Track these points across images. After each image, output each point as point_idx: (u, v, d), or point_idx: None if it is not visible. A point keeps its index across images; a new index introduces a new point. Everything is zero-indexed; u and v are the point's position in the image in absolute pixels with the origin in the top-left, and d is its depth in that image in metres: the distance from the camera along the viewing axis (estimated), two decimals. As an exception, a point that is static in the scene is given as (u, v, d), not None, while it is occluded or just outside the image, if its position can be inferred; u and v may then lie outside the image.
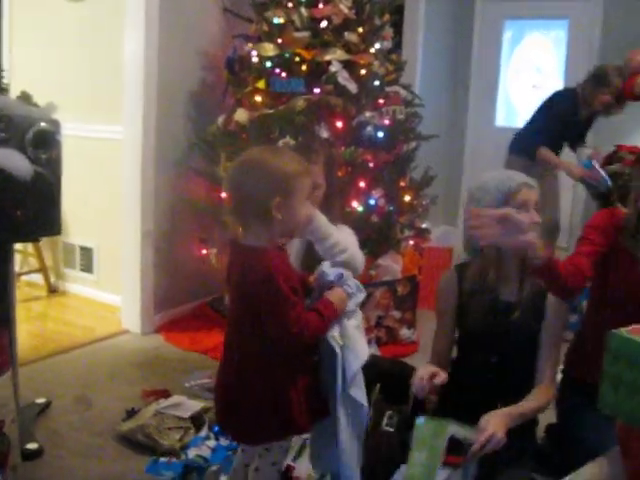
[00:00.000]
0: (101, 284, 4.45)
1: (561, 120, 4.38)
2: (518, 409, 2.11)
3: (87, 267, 4.50)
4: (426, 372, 2.07)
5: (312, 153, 2.64)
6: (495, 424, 1.98)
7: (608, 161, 4.86)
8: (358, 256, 2.49)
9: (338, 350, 1.93)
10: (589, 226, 2.31)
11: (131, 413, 2.79)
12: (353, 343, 1.98)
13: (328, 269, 2.03)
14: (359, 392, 1.99)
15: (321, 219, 2.35)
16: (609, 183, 3.93)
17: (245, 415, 1.88)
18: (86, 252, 4.49)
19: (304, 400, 1.88)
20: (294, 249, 2.62)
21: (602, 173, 3.86)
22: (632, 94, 3.15)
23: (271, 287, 1.77)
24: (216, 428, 2.57)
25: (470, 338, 2.35)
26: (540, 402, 2.18)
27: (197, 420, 2.72)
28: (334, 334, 1.94)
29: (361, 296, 2.04)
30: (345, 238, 2.43)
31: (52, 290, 4.59)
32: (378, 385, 2.28)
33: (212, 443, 2.54)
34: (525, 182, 2.19)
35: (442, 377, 2.07)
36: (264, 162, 1.83)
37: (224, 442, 2.52)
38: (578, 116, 4.37)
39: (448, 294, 2.37)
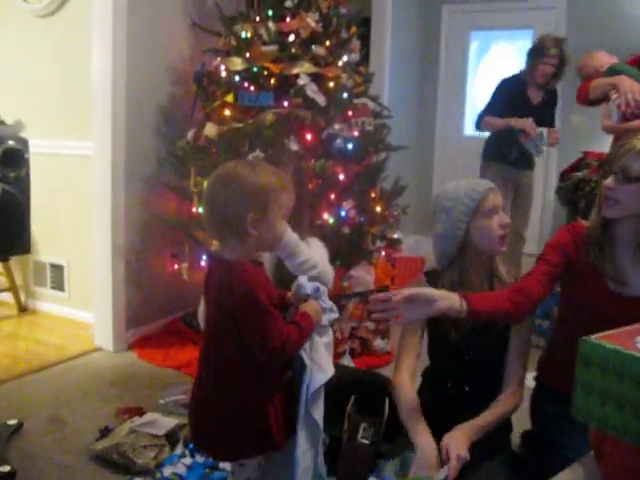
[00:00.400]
0: (72, 302, 4.41)
1: (509, 102, 4.50)
2: (481, 420, 2.12)
3: (58, 285, 4.46)
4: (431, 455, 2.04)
5: (280, 166, 2.65)
6: (457, 445, 1.99)
7: (575, 168, 4.92)
8: (328, 272, 2.50)
9: (308, 363, 1.94)
10: (548, 245, 2.30)
11: (105, 432, 2.77)
12: (320, 359, 1.98)
13: (305, 282, 2.03)
14: (317, 410, 1.99)
15: (291, 235, 2.35)
16: (537, 156, 3.94)
17: (221, 430, 1.87)
18: (57, 270, 4.45)
19: (280, 415, 1.88)
20: (267, 263, 2.61)
21: (539, 146, 3.85)
22: (585, 99, 3.18)
23: (252, 302, 1.77)
24: (192, 445, 2.56)
25: (440, 346, 2.36)
26: (507, 407, 2.20)
27: (172, 437, 2.70)
28: (305, 348, 1.95)
29: (334, 315, 2.04)
30: (315, 254, 2.44)
31: (23, 309, 4.53)
32: (353, 397, 2.29)
33: (188, 460, 2.52)
34: (490, 187, 2.23)
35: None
36: (240, 177, 1.81)
37: (200, 459, 2.51)
38: (527, 98, 4.45)
39: None
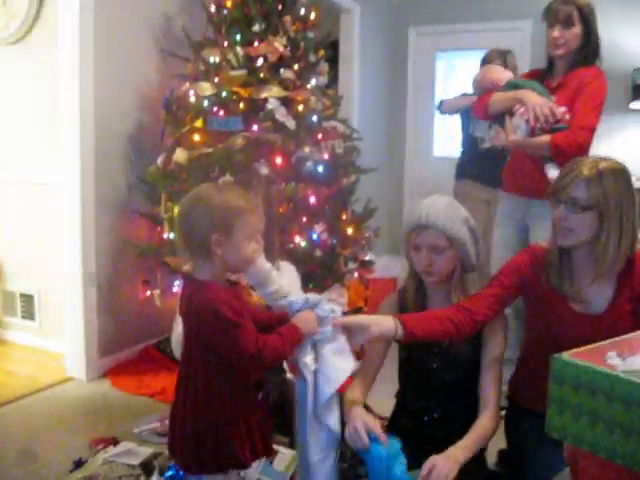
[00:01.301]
0: (43, 331, 4.35)
1: (463, 113, 4.76)
2: (464, 442, 2.09)
3: (28, 314, 4.40)
4: (360, 424, 2.00)
5: (250, 190, 2.66)
6: (445, 465, 1.96)
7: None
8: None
9: (309, 378, 1.94)
10: (505, 266, 2.34)
11: (79, 463, 2.72)
12: (328, 369, 1.98)
13: (294, 298, 2.04)
14: (331, 417, 1.99)
15: (262, 264, 2.37)
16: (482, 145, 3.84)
17: (187, 443, 1.89)
18: (27, 299, 4.39)
19: (246, 435, 1.88)
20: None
21: (487, 132, 3.69)
22: (485, 114, 3.20)
23: (214, 315, 1.78)
24: (167, 474, 2.53)
25: (409, 363, 2.38)
26: (488, 429, 2.17)
27: (147, 467, 2.67)
28: (306, 360, 1.95)
29: (336, 315, 2.03)
30: (285, 282, 2.46)
31: (-8, 340, 4.47)
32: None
33: (164, 486, 2.49)
34: (420, 224, 2.22)
35: (377, 427, 2.02)
36: (207, 198, 1.85)
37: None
38: None
39: (386, 309, 2.40)
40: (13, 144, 4.22)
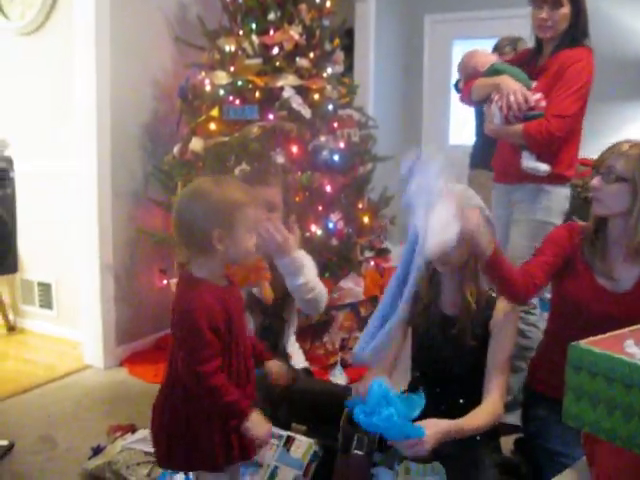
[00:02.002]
0: (61, 320, 4.38)
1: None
2: (458, 425, 2.08)
3: (46, 303, 4.43)
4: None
5: (269, 176, 2.66)
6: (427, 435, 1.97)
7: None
8: (323, 295, 2.54)
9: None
10: (546, 240, 2.38)
11: (97, 450, 2.75)
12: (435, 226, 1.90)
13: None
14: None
15: (298, 255, 2.38)
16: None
17: (160, 437, 1.91)
18: (45, 288, 4.42)
19: (220, 438, 1.87)
20: None
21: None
22: (468, 100, 3.13)
23: (188, 319, 1.79)
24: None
25: (419, 350, 2.40)
26: (483, 421, 2.14)
27: (165, 454, 2.69)
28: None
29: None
30: (313, 276, 2.47)
31: (11, 328, 4.50)
32: (345, 411, 2.28)
33: (180, 477, 2.50)
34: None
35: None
36: (206, 193, 1.83)
37: (192, 476, 2.49)
38: None
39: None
40: (29, 134, 4.24)
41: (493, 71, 2.98)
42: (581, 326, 2.20)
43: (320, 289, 2.57)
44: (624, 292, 2.23)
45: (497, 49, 4.30)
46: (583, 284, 2.28)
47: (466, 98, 3.18)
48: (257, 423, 1.86)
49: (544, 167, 2.80)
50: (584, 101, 2.85)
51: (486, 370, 2.25)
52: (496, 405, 2.19)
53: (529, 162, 2.82)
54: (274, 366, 2.22)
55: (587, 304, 2.25)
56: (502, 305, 2.27)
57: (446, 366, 2.30)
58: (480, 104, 3.10)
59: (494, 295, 2.29)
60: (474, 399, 2.23)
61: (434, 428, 1.97)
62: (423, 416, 2.14)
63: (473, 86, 3.06)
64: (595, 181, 2.19)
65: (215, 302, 1.83)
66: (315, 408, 2.52)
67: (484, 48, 3.56)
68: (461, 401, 2.29)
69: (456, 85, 4.44)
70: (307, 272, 2.48)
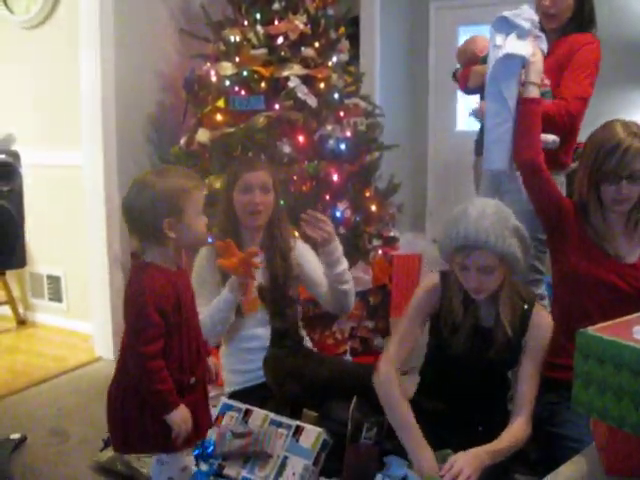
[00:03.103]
0: (71, 312, 4.40)
1: None
2: (493, 446, 2.07)
3: (56, 296, 4.45)
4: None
5: (255, 162, 2.75)
6: (467, 462, 1.97)
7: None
8: (353, 291, 2.57)
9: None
10: None
11: (109, 442, 2.74)
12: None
13: None
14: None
15: (337, 245, 2.41)
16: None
17: (115, 421, 1.98)
18: (54, 281, 4.44)
19: (150, 423, 1.90)
20: None
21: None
22: (466, 86, 3.06)
23: (136, 300, 1.85)
24: (195, 452, 2.55)
25: (446, 355, 2.29)
26: (518, 437, 2.14)
27: (176, 444, 2.69)
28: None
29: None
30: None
31: (21, 322, 4.52)
32: (355, 399, 2.29)
33: (192, 469, 2.51)
34: (468, 245, 2.07)
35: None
36: (150, 184, 1.88)
37: (204, 467, 2.49)
38: None
39: (430, 296, 2.29)
40: (36, 128, 4.25)
41: None
42: (584, 298, 2.23)
43: (352, 283, 2.61)
44: (630, 263, 2.30)
45: None
46: (589, 254, 2.33)
47: (463, 86, 3.14)
48: (180, 418, 1.89)
49: (552, 137, 2.68)
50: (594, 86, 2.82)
51: (518, 383, 2.23)
52: (529, 411, 2.18)
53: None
54: (210, 363, 2.19)
55: (594, 272, 2.30)
56: (537, 320, 2.23)
57: (466, 371, 2.25)
58: (477, 91, 3.05)
59: (526, 307, 2.23)
60: (490, 409, 2.26)
61: (471, 462, 1.98)
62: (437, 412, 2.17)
63: (471, 72, 3.02)
64: (624, 187, 2.22)
65: (165, 284, 1.88)
66: (328, 386, 2.53)
67: (485, 35, 3.50)
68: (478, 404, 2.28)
69: (454, 75, 4.28)
70: (345, 260, 2.52)
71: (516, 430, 2.14)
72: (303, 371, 2.50)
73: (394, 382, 2.19)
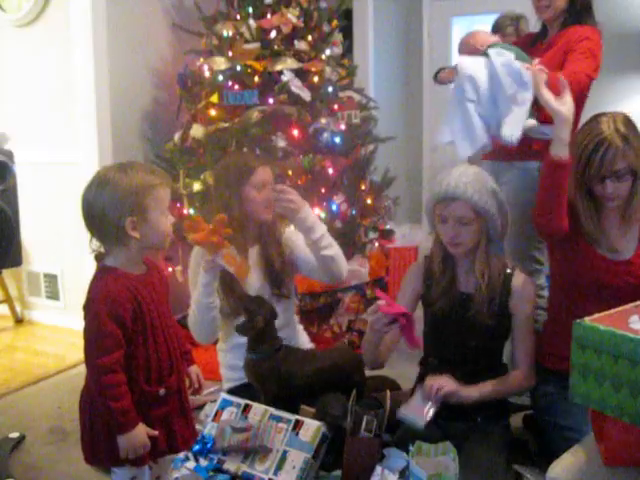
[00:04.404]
0: (68, 310, 4.39)
1: None
2: (474, 388, 2.23)
3: (53, 294, 4.44)
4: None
5: (258, 156, 2.73)
6: (442, 381, 2.18)
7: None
8: (342, 258, 2.58)
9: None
10: None
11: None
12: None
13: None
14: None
15: (308, 210, 2.41)
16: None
17: (84, 433, 1.87)
18: (51, 279, 4.43)
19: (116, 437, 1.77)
20: None
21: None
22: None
23: (90, 309, 1.78)
24: (194, 448, 2.55)
25: (433, 327, 2.42)
26: (509, 387, 2.28)
27: (175, 441, 2.69)
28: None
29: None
30: (329, 236, 2.52)
31: (18, 320, 4.51)
32: (354, 392, 2.29)
33: (191, 465, 2.51)
34: (447, 196, 2.23)
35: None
36: (112, 181, 1.76)
37: (203, 463, 2.50)
38: None
39: (412, 276, 2.47)
40: (29, 126, 4.23)
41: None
42: (580, 295, 2.23)
43: (338, 248, 2.60)
44: (626, 260, 2.27)
45: (499, 29, 4.21)
46: (586, 256, 2.30)
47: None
48: (129, 443, 1.75)
49: (532, 122, 2.50)
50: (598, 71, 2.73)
51: (513, 344, 2.33)
52: (527, 368, 2.31)
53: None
54: (192, 373, 2.08)
55: (591, 275, 2.28)
56: (519, 280, 2.31)
57: (461, 347, 2.32)
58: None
59: (509, 271, 2.32)
60: (489, 376, 2.28)
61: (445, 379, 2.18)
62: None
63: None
64: (610, 186, 2.19)
65: (122, 291, 1.78)
66: (309, 383, 2.54)
67: (485, 29, 3.49)
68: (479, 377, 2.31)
69: (435, 76, 4.12)
70: (321, 226, 2.52)
71: (509, 378, 2.30)
72: (280, 373, 2.49)
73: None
